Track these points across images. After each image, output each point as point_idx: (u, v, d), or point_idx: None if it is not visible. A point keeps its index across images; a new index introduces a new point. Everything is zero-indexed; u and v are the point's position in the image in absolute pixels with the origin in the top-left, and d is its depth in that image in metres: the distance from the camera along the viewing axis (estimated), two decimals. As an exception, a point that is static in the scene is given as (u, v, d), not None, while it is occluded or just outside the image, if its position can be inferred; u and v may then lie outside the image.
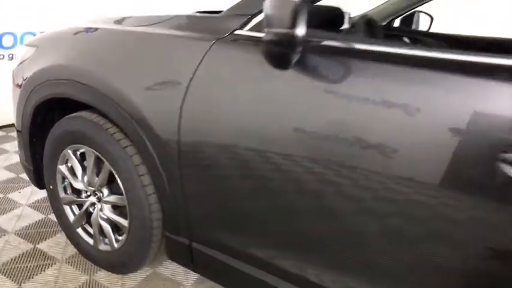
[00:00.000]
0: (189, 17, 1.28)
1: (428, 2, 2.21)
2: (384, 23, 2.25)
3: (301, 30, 0.86)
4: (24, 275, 1.55)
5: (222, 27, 1.12)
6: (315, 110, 0.94)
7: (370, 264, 0.95)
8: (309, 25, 0.91)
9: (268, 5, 0.86)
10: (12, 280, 1.52)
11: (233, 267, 1.20)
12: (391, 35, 2.20)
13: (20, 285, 1.50)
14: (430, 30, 2.37)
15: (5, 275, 1.54)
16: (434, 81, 0.83)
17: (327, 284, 1.03)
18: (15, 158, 2.53)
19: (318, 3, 1.21)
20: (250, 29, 1.07)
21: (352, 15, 1.93)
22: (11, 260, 1.63)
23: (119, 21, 1.44)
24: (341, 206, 0.95)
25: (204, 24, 1.18)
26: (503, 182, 0.73)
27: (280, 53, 0.90)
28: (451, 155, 0.79)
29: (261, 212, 1.11)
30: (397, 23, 2.40)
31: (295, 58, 0.92)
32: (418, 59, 0.88)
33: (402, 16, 2.30)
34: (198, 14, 1.36)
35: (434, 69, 0.85)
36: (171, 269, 1.64)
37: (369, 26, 1.80)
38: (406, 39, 2.22)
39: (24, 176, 2.13)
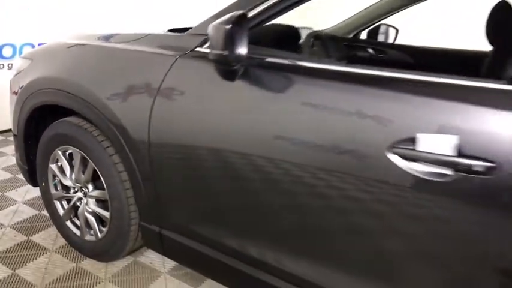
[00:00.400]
0: (159, 35, 1.49)
1: (391, 15, 2.41)
2: (351, 36, 2.46)
3: (241, 50, 1.06)
4: (18, 262, 1.74)
5: (186, 45, 1.32)
6: (255, 114, 1.14)
7: (326, 251, 1.12)
8: (263, 42, 1.10)
9: (209, 29, 1.06)
10: (7, 266, 1.71)
11: (196, 250, 1.40)
12: (356, 47, 2.40)
13: (14, 270, 1.69)
14: (396, 42, 2.57)
15: (1, 262, 1.73)
16: (345, 91, 1.03)
17: (285, 266, 1.21)
18: (13, 160, 2.72)
19: (273, 23, 1.41)
20: (208, 47, 1.27)
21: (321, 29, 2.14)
22: (7, 249, 1.82)
23: (101, 39, 1.64)
24: (284, 194, 1.14)
25: (171, 42, 1.39)
26: (395, 173, 0.93)
27: (224, 69, 1.10)
28: (356, 149, 0.98)
29: (218, 201, 1.30)
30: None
31: (239, 72, 1.12)
32: (335, 73, 1.09)
33: (368, 29, 2.50)
34: (167, 33, 1.57)
35: (347, 81, 1.05)
36: (150, 258, 1.83)
37: (329, 40, 2.01)
38: (371, 51, 2.42)
39: (21, 176, 2.32)
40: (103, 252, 1.73)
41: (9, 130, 3.23)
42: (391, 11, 2.39)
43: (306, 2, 1.19)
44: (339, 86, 1.05)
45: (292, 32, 1.62)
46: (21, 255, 1.79)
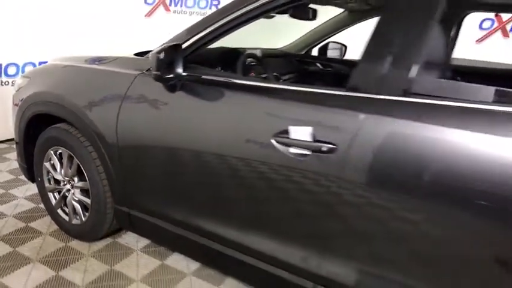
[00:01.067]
0: (125, 58, 1.90)
1: (338, 33, 2.81)
2: (303, 52, 2.87)
3: (178, 70, 1.47)
4: (18, 243, 2.13)
5: (143, 66, 1.72)
6: (189, 117, 1.54)
7: (254, 219, 1.49)
8: (209, 63, 1.49)
9: (149, 56, 1.47)
10: (9, 245, 2.10)
11: (156, 225, 1.79)
12: (307, 62, 2.80)
13: (15, 248, 2.08)
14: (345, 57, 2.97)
15: (4, 242, 2.12)
16: (250, 98, 1.43)
17: (225, 235, 1.58)
18: (16, 164, 3.13)
19: (221, 47, 1.83)
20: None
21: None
22: (9, 233, 2.22)
23: (82, 60, 2.06)
24: (213, 175, 1.53)
25: (134, 63, 1.80)
26: (277, 154, 1.32)
27: (167, 83, 1.52)
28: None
29: (170, 184, 1.70)
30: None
31: (178, 86, 1.53)
32: (246, 86, 1.49)
33: (319, 46, 2.91)
34: (132, 56, 1.98)
35: (252, 92, 1.45)
36: (126, 239, 2.22)
37: (278, 57, 2.42)
38: (319, 65, 2.82)
39: (22, 177, 2.72)
40: (86, 233, 2.12)
41: (13, 139, 3.66)
42: (337, 29, 2.79)
43: (231, 33, 1.59)
44: (247, 96, 1.45)
45: (234, 53, 2.03)
46: (20, 238, 2.18)
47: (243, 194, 1.46)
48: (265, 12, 1.49)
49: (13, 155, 3.40)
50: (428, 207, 1.12)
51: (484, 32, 4.37)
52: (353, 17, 2.52)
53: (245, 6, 1.48)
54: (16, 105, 2.26)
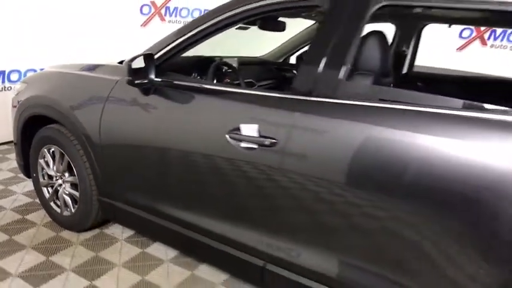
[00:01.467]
0: (109, 65, 2.13)
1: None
2: (280, 60, 3.09)
3: (151, 76, 1.70)
4: (14, 232, 2.35)
5: (123, 72, 1.95)
6: (161, 116, 1.76)
7: (221, 211, 1.70)
8: (184, 70, 1.72)
9: (124, 63, 1.70)
10: (6, 234, 2.32)
11: (136, 215, 2.00)
12: (281, 69, 3.02)
13: (11, 237, 2.30)
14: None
15: (2, 231, 2.35)
16: (212, 101, 1.65)
17: (192, 221, 1.80)
18: (15, 164, 3.37)
19: (195, 56, 2.05)
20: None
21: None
22: (7, 223, 2.44)
23: (74, 68, 2.29)
24: (185, 171, 1.75)
25: (115, 70, 2.02)
26: (231, 150, 1.53)
27: (142, 87, 1.74)
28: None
29: (148, 178, 1.92)
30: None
31: (151, 90, 1.75)
32: (209, 90, 1.70)
33: (296, 54, 3.12)
34: (115, 64, 2.20)
35: (214, 95, 1.66)
36: (112, 230, 2.43)
37: (255, 64, 2.64)
38: (295, 72, 3.04)
39: (22, 175, 2.95)
40: (76, 223, 2.34)
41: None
42: (311, 38, 3.00)
43: (200, 43, 1.81)
44: (209, 98, 1.67)
45: (209, 61, 2.25)
46: (16, 228, 2.41)
47: (205, 183, 1.68)
48: (229, 25, 1.71)
49: (13, 156, 3.63)
50: (354, 190, 1.32)
51: (464, 41, 4.58)
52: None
53: (210, 20, 1.71)
54: (14, 107, 2.50)
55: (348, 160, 1.31)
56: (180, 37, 1.78)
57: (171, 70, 1.88)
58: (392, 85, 1.80)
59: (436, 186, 1.17)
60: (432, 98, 1.26)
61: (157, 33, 4.67)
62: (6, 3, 3.57)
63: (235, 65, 2.41)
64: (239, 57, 2.60)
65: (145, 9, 4.59)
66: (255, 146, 1.47)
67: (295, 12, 1.89)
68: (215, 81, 2.11)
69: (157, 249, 2.26)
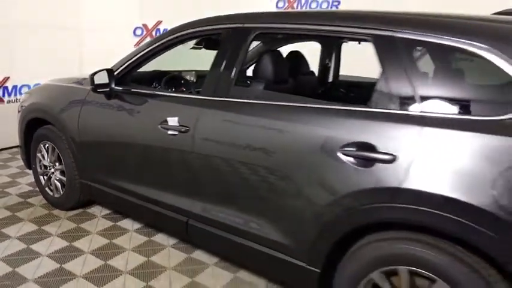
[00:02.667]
0: (86, 77, 2.77)
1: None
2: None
3: (112, 85, 2.32)
4: (16, 210, 2.99)
5: (96, 83, 2.59)
6: (119, 115, 2.38)
7: (158, 182, 2.31)
8: (143, 81, 2.37)
9: (88, 75, 2.33)
10: (10, 211, 2.96)
11: (106, 192, 2.60)
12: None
13: (13, 213, 2.94)
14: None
15: (7, 210, 2.99)
16: (153, 102, 2.26)
17: (144, 193, 2.38)
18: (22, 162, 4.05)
19: (152, 70, 2.68)
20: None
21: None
22: (11, 204, 3.09)
23: (65, 81, 2.94)
24: (135, 155, 2.35)
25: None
26: (162, 136, 2.12)
27: (105, 93, 2.37)
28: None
29: (114, 164, 2.52)
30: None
31: (112, 95, 2.38)
32: (154, 95, 2.31)
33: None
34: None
35: (154, 98, 2.27)
36: (93, 210, 3.05)
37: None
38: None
39: (27, 170, 3.61)
40: (64, 203, 2.96)
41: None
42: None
43: (149, 61, 2.43)
44: (152, 100, 2.28)
45: (165, 74, 2.87)
46: (19, 207, 3.05)
47: (146, 163, 2.28)
48: (169, 47, 2.33)
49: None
50: (241, 162, 1.88)
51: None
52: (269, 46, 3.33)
53: (153, 44, 2.33)
54: (19, 112, 3.17)
55: (234, 140, 1.89)
56: (135, 55, 2.41)
57: (137, 81, 2.51)
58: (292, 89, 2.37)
59: (289, 156, 1.73)
60: (288, 96, 1.84)
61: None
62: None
63: (191, 77, 3.02)
64: (197, 71, 3.22)
65: (138, 31, 5.30)
66: (176, 133, 2.06)
67: (211, 36, 2.44)
68: (168, 89, 2.72)
69: (126, 223, 2.86)
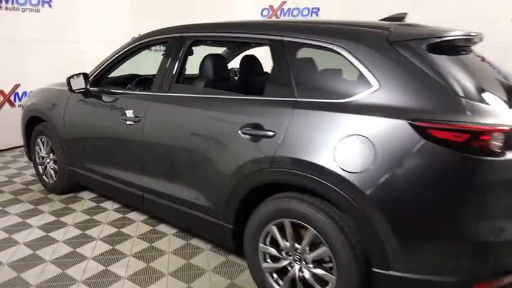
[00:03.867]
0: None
1: (236, 57, 4.07)
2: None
3: (88, 87, 2.86)
4: (19, 194, 3.56)
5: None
6: (94, 110, 2.90)
7: (124, 164, 2.81)
8: (116, 83, 2.91)
9: (66, 78, 2.87)
10: (13, 195, 3.53)
11: (87, 175, 3.13)
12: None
13: (16, 196, 3.51)
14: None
15: (11, 194, 3.57)
16: (120, 99, 2.77)
17: (112, 173, 2.90)
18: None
19: (127, 73, 3.21)
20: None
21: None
22: (16, 190, 3.67)
23: (58, 85, 3.50)
24: (107, 144, 2.86)
25: (75, 84, 3.21)
26: (122, 126, 2.62)
27: (82, 93, 2.91)
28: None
29: (92, 151, 3.05)
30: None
31: (88, 95, 2.91)
32: (122, 94, 2.83)
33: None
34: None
35: (121, 96, 2.78)
36: (82, 194, 3.58)
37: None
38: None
39: (32, 164, 4.20)
40: (57, 187, 3.51)
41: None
42: (228, 57, 4.04)
43: (118, 66, 2.95)
44: (119, 97, 2.79)
45: (133, 77, 3.38)
46: (21, 192, 3.62)
47: (114, 149, 2.79)
48: (133, 53, 2.84)
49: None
50: (178, 145, 2.36)
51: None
52: (232, 51, 3.81)
53: (120, 51, 2.85)
54: (22, 109, 3.76)
55: (170, 126, 2.37)
56: (107, 61, 2.94)
57: (114, 83, 3.04)
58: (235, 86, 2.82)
59: (207, 137, 2.19)
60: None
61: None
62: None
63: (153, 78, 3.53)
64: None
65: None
66: (131, 123, 2.56)
67: (162, 44, 2.89)
68: (136, 89, 3.21)
69: (108, 204, 3.37)
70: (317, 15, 6.02)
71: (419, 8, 4.94)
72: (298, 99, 1.90)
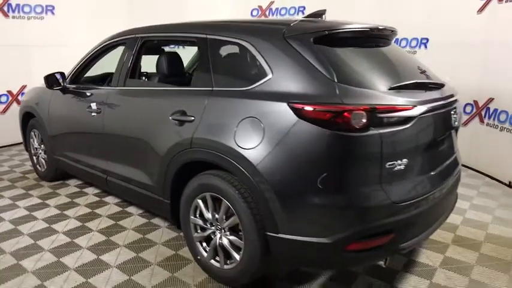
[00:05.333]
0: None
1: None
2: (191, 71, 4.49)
3: (65, 84, 3.25)
4: (15, 181, 4.02)
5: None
6: (68, 104, 3.29)
7: (93, 150, 3.19)
8: (99, 80, 3.30)
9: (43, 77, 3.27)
10: (11, 182, 3.99)
11: (67, 162, 3.53)
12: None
13: (13, 183, 3.97)
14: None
15: (9, 181, 4.03)
16: (93, 93, 3.14)
17: (89, 161, 3.27)
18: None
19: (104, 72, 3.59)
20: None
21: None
22: (14, 178, 4.13)
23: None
24: (81, 133, 3.24)
25: (58, 83, 3.61)
26: (88, 116, 2.99)
27: (60, 89, 3.31)
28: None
29: (68, 140, 3.44)
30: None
31: (65, 91, 3.30)
32: (92, 88, 3.20)
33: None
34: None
35: (93, 90, 3.16)
36: (69, 181, 4.00)
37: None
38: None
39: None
40: (47, 175, 3.95)
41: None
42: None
43: (92, 65, 3.33)
44: (93, 92, 3.16)
45: (107, 75, 3.75)
46: (18, 180, 4.08)
47: (83, 138, 3.17)
48: (101, 53, 3.21)
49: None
50: (124, 133, 2.69)
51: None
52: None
53: (90, 52, 3.23)
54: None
55: (122, 115, 2.71)
56: (81, 61, 3.32)
57: (91, 81, 3.42)
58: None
59: (147, 123, 2.51)
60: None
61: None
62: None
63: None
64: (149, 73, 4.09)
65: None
66: (95, 114, 2.92)
67: (122, 45, 3.13)
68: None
69: (91, 189, 3.77)
70: (303, 13, 6.27)
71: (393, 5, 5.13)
72: (214, 89, 2.18)
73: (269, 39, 2.04)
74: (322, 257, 1.89)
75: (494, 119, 4.11)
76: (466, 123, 4.46)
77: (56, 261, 2.54)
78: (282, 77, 1.93)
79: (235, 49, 2.24)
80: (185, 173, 2.34)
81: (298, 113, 1.79)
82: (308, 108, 1.77)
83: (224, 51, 2.32)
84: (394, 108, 1.78)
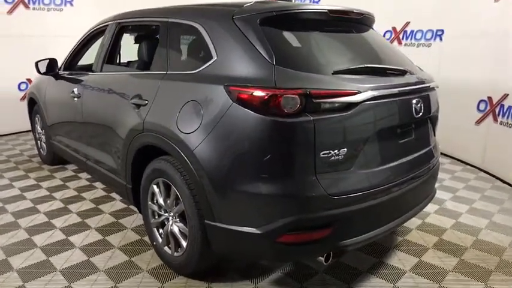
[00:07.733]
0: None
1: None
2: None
3: (58, 71, 3.36)
4: (19, 164, 4.23)
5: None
6: (60, 90, 3.39)
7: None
8: (85, 68, 3.41)
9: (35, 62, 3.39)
10: (16, 164, 4.20)
11: (60, 147, 3.65)
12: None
13: (17, 165, 4.17)
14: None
15: (15, 164, 4.24)
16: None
17: (73, 145, 3.37)
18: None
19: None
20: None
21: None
22: (20, 160, 4.34)
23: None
24: (69, 117, 3.34)
25: (55, 70, 3.74)
26: (72, 101, 3.06)
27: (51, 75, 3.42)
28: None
29: (57, 123, 3.56)
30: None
31: (58, 77, 3.41)
32: (82, 75, 3.28)
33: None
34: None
35: (81, 76, 3.23)
36: (68, 166, 4.14)
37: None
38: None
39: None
40: (47, 159, 4.11)
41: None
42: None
43: (83, 53, 3.41)
44: (81, 78, 3.24)
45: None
46: (23, 163, 4.29)
47: (68, 122, 3.26)
48: (90, 40, 3.27)
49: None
50: (95, 118, 2.73)
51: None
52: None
53: (80, 40, 3.30)
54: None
55: (96, 100, 2.75)
56: (73, 49, 3.41)
57: (84, 68, 3.50)
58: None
59: (112, 107, 2.53)
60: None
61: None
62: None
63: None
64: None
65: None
66: (76, 98, 2.99)
67: (104, 32, 3.09)
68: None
69: (84, 174, 3.88)
70: None
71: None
72: (167, 72, 2.15)
73: (217, 20, 1.97)
74: (255, 248, 1.80)
75: (508, 117, 3.76)
76: (479, 122, 4.12)
77: (26, 238, 2.63)
78: (225, 59, 1.86)
79: (190, 32, 2.19)
80: (145, 157, 2.32)
81: (233, 95, 1.71)
82: (241, 91, 1.69)
83: (179, 34, 2.28)
84: (332, 93, 1.65)
